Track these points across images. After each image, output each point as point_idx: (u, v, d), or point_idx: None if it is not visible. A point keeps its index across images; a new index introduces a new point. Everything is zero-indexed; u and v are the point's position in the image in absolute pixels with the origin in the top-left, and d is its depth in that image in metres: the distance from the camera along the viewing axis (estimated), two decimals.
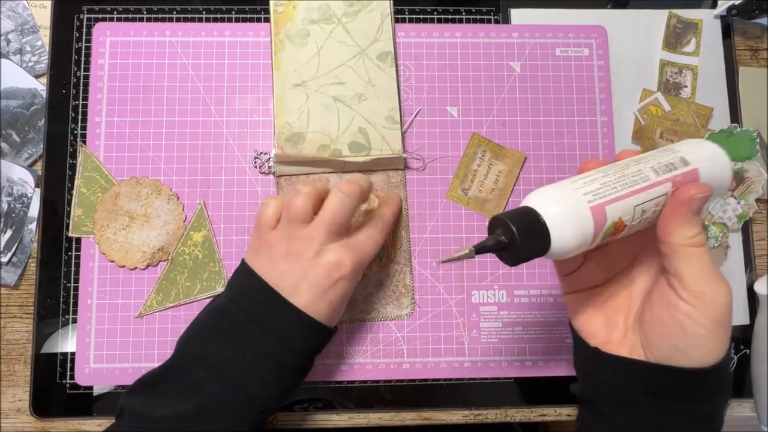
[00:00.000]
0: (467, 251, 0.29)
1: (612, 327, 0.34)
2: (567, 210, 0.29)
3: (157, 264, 0.47)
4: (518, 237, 0.28)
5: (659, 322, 0.30)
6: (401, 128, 0.49)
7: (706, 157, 0.32)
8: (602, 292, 0.36)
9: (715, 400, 0.31)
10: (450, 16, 0.52)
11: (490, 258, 0.49)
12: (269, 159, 0.48)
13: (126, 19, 0.51)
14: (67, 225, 0.48)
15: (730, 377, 0.32)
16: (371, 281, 0.47)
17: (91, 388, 0.47)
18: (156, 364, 0.45)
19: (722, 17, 0.53)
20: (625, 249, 0.35)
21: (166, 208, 0.48)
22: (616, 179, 0.30)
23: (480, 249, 0.29)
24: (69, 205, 0.48)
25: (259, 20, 0.51)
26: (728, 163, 0.32)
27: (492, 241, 0.29)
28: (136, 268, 0.47)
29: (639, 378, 0.31)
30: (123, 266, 0.47)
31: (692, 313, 0.29)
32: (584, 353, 0.35)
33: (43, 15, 0.51)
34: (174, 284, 0.47)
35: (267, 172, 0.49)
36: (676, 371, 0.30)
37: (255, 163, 0.49)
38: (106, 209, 0.47)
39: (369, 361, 0.47)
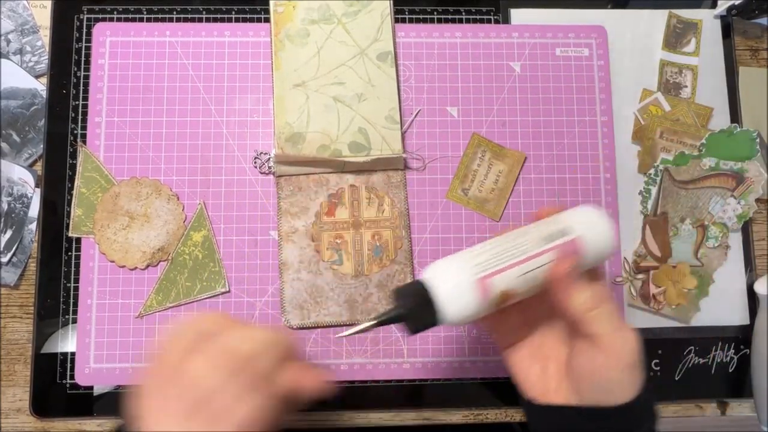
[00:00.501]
0: (368, 324, 0.31)
1: (548, 376, 0.36)
2: (455, 284, 0.31)
3: (157, 264, 0.47)
4: (412, 311, 0.31)
5: (584, 370, 0.33)
6: (401, 128, 0.49)
7: (587, 227, 0.35)
8: (532, 342, 0.38)
9: (644, 427, 0.34)
10: (450, 16, 0.52)
11: None
12: (269, 159, 0.48)
13: (126, 19, 0.51)
14: (67, 225, 0.48)
15: (653, 401, 0.35)
16: (371, 282, 0.47)
17: (91, 388, 0.47)
18: None
19: (722, 17, 0.53)
20: (543, 299, 0.36)
21: (166, 208, 0.48)
22: (504, 250, 0.33)
23: (380, 322, 0.31)
24: (69, 205, 0.48)
25: (259, 20, 0.51)
26: (608, 230, 0.35)
27: (391, 314, 0.31)
28: (136, 268, 0.47)
29: (573, 421, 0.34)
30: (123, 266, 0.47)
31: (609, 363, 0.32)
32: (524, 405, 0.37)
33: (43, 15, 0.51)
34: (174, 284, 0.47)
35: (267, 172, 0.49)
36: (604, 411, 0.33)
37: (255, 163, 0.49)
38: (106, 209, 0.47)
39: (369, 361, 0.47)
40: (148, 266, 0.47)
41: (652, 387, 0.34)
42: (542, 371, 0.37)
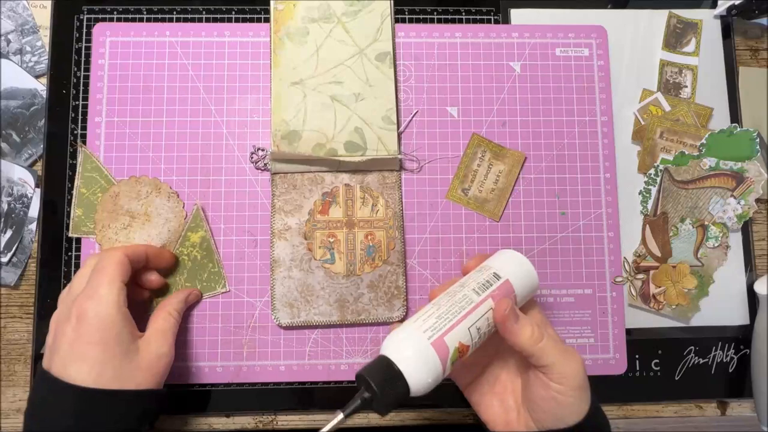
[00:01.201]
0: (339, 419, 0.31)
1: (507, 408, 0.39)
2: (414, 353, 0.32)
3: None
4: (378, 391, 0.31)
5: (538, 398, 0.36)
6: (398, 129, 0.49)
7: (512, 268, 0.38)
8: (488, 378, 0.41)
9: None
10: (450, 16, 0.52)
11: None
12: (265, 156, 0.48)
13: (126, 19, 0.51)
14: (67, 225, 0.48)
15: (600, 411, 0.38)
16: (363, 282, 0.47)
17: None
18: None
19: (722, 17, 0.53)
20: (491, 338, 0.38)
21: (166, 206, 0.48)
22: (447, 309, 0.35)
23: (349, 413, 0.31)
24: (69, 205, 0.48)
25: (259, 20, 0.51)
26: (530, 265, 0.39)
27: (358, 401, 0.32)
28: None
29: None
30: None
31: (561, 389, 0.35)
32: None
33: (43, 15, 0.51)
34: (173, 285, 0.47)
35: (263, 168, 0.49)
36: None
37: (251, 158, 0.49)
38: (106, 209, 0.47)
39: (369, 360, 0.47)
40: None
41: (596, 398, 0.37)
42: (501, 404, 0.39)
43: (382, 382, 0.32)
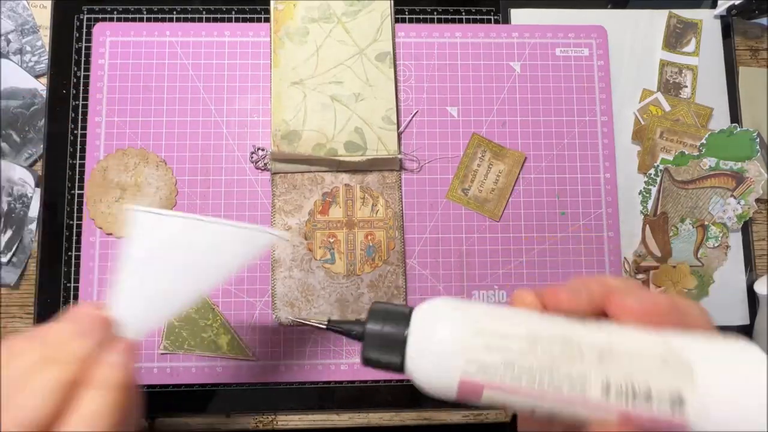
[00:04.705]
0: (323, 324, 0.26)
1: None
2: (437, 354, 0.22)
3: None
4: (376, 338, 0.23)
5: None
6: (398, 129, 0.49)
7: (729, 397, 0.19)
8: None
9: None
10: (450, 16, 0.52)
11: (490, 258, 0.49)
12: (265, 155, 0.48)
13: (126, 19, 0.51)
14: (68, 225, 0.48)
15: None
16: (363, 281, 0.47)
17: None
18: (155, 364, 0.45)
19: (722, 17, 0.53)
20: None
21: (155, 174, 0.48)
22: (540, 365, 0.20)
23: (332, 327, 0.26)
24: (69, 205, 0.48)
25: (259, 20, 0.51)
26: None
27: (344, 328, 0.25)
28: None
29: None
30: (121, 237, 0.47)
31: None
32: None
33: (43, 15, 0.51)
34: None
35: (263, 168, 0.49)
36: None
37: (251, 158, 0.49)
38: (96, 184, 0.47)
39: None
40: None
41: None
42: None
43: (379, 340, 0.23)
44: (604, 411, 0.19)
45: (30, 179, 0.49)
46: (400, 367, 0.23)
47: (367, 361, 0.24)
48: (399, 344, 0.23)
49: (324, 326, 0.26)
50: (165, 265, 0.28)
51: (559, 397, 0.20)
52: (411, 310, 0.23)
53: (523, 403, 0.21)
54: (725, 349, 0.19)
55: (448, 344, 0.21)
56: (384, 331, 0.23)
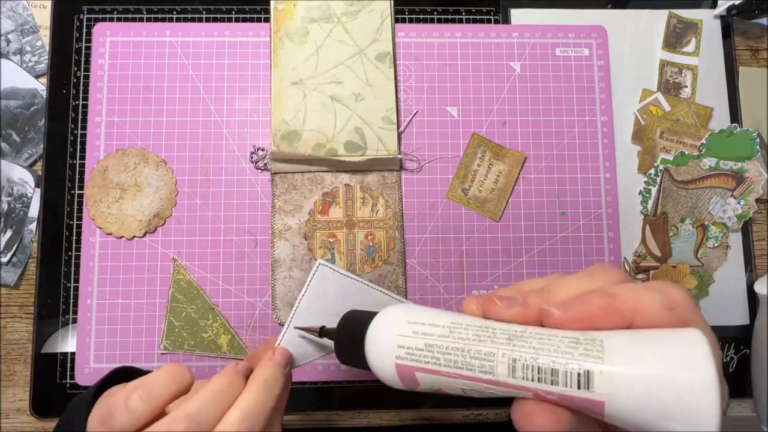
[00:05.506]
0: (315, 331, 0.29)
1: None
2: (378, 341, 0.24)
3: (155, 230, 0.47)
4: (339, 347, 0.27)
5: None
6: (398, 129, 0.49)
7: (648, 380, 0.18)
8: None
9: None
10: (450, 16, 0.52)
11: (490, 258, 0.49)
12: (265, 155, 0.48)
13: (126, 19, 0.51)
14: (68, 225, 0.48)
15: None
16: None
17: None
18: (156, 364, 0.45)
19: (722, 17, 0.53)
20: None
21: (155, 174, 0.48)
22: (455, 346, 0.21)
23: (320, 333, 0.29)
24: (69, 205, 0.48)
25: (259, 20, 0.51)
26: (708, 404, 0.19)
27: (316, 333, 0.29)
28: (134, 237, 0.47)
29: None
30: (121, 237, 0.47)
31: None
32: None
33: (43, 15, 0.51)
34: (180, 336, 0.47)
35: (263, 168, 0.49)
36: None
37: (251, 158, 0.49)
38: (96, 185, 0.47)
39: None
40: (146, 234, 0.47)
41: None
42: None
43: (346, 343, 0.27)
44: (518, 390, 0.20)
45: (30, 179, 0.49)
46: (363, 360, 0.25)
47: (340, 359, 0.27)
48: (360, 342, 0.25)
49: (318, 335, 0.29)
50: (326, 313, 0.30)
51: (473, 376, 0.21)
52: (375, 314, 0.26)
53: (448, 384, 0.22)
54: (647, 332, 0.19)
55: (387, 334, 0.24)
56: (350, 333, 0.26)
